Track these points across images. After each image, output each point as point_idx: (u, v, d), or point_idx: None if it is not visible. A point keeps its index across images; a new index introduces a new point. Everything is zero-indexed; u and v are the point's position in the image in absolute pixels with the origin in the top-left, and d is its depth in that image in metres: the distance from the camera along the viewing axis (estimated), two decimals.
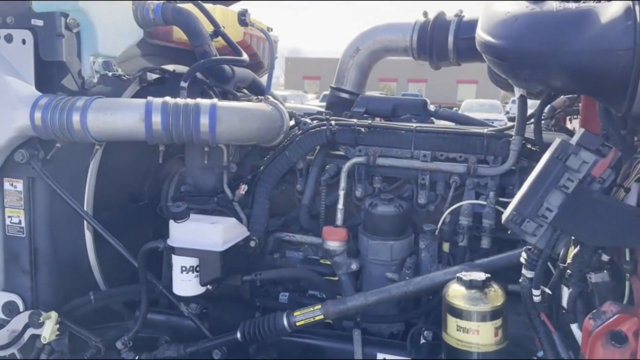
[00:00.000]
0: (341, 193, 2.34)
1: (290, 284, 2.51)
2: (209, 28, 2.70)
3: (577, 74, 1.52)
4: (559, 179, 1.56)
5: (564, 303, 1.69)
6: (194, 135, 2.10)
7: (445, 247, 2.23)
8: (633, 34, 1.38)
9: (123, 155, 2.54)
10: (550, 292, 1.69)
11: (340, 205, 2.33)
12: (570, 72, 1.53)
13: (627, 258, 1.56)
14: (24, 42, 2.17)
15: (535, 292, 1.68)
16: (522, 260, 1.69)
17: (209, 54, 2.63)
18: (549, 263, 1.79)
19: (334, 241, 2.25)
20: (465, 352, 1.73)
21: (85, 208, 2.34)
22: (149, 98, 2.12)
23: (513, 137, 2.19)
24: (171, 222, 2.11)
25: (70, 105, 2.10)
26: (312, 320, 2.07)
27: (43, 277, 2.34)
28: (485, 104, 21.97)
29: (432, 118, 2.90)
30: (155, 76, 2.59)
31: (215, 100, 2.14)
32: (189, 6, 2.64)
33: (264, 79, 3.13)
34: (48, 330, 2.27)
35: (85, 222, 2.34)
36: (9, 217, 2.30)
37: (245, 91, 3.05)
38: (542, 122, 3.06)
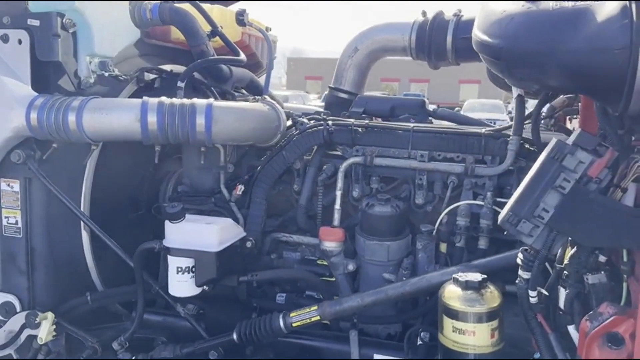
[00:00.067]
0: (338, 193, 2.33)
1: (288, 284, 2.50)
2: (206, 28, 2.69)
3: (573, 73, 1.51)
4: (555, 179, 1.55)
5: (561, 304, 1.68)
6: (190, 135, 2.09)
7: (443, 247, 2.22)
8: (629, 33, 1.37)
9: (121, 154, 2.53)
10: (547, 293, 1.68)
11: (337, 206, 2.32)
12: (566, 71, 1.51)
13: (625, 259, 1.54)
14: (20, 42, 2.17)
15: (532, 293, 1.66)
16: (519, 261, 1.67)
17: (206, 53, 2.62)
18: (546, 264, 1.79)
19: (330, 242, 2.24)
20: (462, 354, 1.72)
21: (82, 208, 2.33)
22: (145, 98, 2.11)
23: (511, 137, 2.18)
24: (167, 222, 2.10)
25: (66, 106, 2.10)
26: (308, 321, 2.06)
27: (40, 278, 2.33)
28: (488, 104, 21.92)
29: (431, 118, 2.89)
30: (152, 76, 2.59)
31: (211, 100, 2.13)
32: (187, 6, 2.64)
33: (263, 79, 3.12)
34: (44, 330, 2.27)
35: (82, 222, 2.33)
36: (5, 217, 2.29)
37: (244, 91, 3.05)
38: (542, 121, 3.05)
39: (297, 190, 2.47)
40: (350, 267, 2.27)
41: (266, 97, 2.41)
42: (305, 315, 2.07)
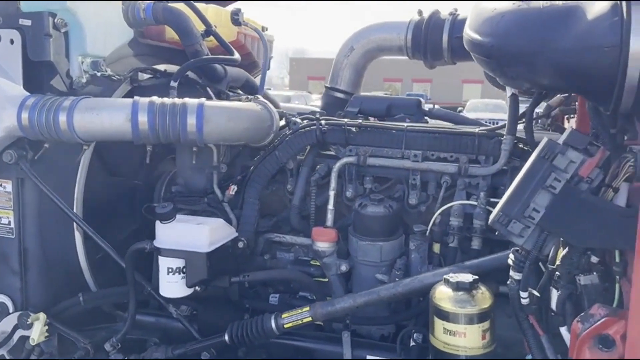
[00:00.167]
0: (331, 193, 2.31)
1: (281, 285, 2.48)
2: (201, 27, 2.68)
3: (563, 72, 1.49)
4: (545, 179, 1.53)
5: (553, 305, 1.66)
6: (181, 135, 2.08)
7: (436, 248, 2.20)
8: (619, 31, 1.35)
9: (115, 154, 2.53)
10: (538, 295, 1.66)
11: (330, 206, 2.31)
12: (557, 69, 1.50)
13: (617, 260, 1.53)
14: (12, 42, 2.17)
15: (523, 294, 1.64)
16: (510, 261, 1.66)
17: (200, 53, 2.61)
18: (540, 264, 1.77)
19: (323, 242, 2.23)
20: (452, 356, 1.71)
21: (74, 208, 2.32)
22: (136, 98, 2.10)
23: (504, 137, 2.16)
24: (157, 223, 2.09)
25: (57, 106, 2.09)
26: (300, 322, 2.05)
27: (33, 278, 2.33)
28: (490, 104, 21.84)
29: (427, 117, 2.87)
30: (147, 76, 2.58)
31: (202, 99, 2.12)
32: (181, 6, 2.63)
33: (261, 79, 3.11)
34: (37, 331, 2.26)
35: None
36: None
37: (240, 91, 3.03)
38: (538, 121, 3.03)
39: (290, 190, 2.46)
40: (343, 267, 2.25)
41: (259, 96, 2.39)
42: (297, 317, 2.05)
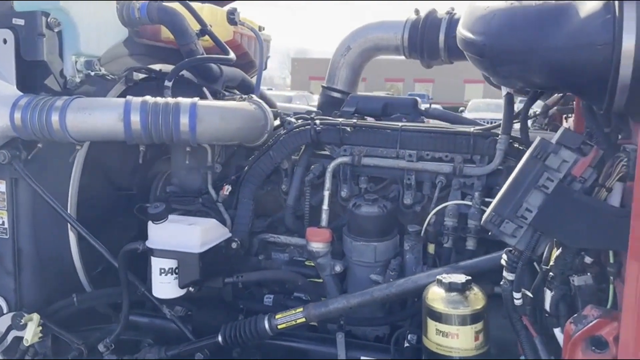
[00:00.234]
0: (326, 193, 2.30)
1: (276, 285, 2.47)
2: (196, 27, 2.67)
3: (556, 70, 1.48)
4: (538, 179, 1.52)
5: (547, 306, 1.64)
6: (174, 134, 2.07)
7: (431, 248, 2.18)
8: (612, 28, 1.34)
9: (110, 154, 2.52)
10: (531, 295, 1.64)
11: (324, 206, 2.29)
12: (549, 68, 1.48)
13: (611, 260, 1.51)
14: (5, 41, 2.16)
15: (516, 295, 1.63)
16: (503, 262, 1.64)
17: (195, 52, 2.60)
18: (535, 264, 1.75)
19: (317, 242, 2.21)
20: (445, 357, 1.69)
21: (69, 208, 2.32)
22: (128, 97, 2.09)
23: (499, 136, 2.14)
24: (150, 223, 2.08)
25: (49, 105, 2.08)
26: (293, 323, 2.04)
27: (27, 279, 2.32)
28: (492, 104, 21.77)
29: (423, 117, 2.85)
30: (142, 76, 2.57)
31: (195, 99, 2.11)
32: (176, 5, 2.62)
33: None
34: (30, 332, 2.26)
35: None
36: None
37: (237, 91, 3.02)
38: (536, 120, 3.01)
39: (285, 190, 2.44)
40: (338, 268, 2.24)
41: (253, 96, 2.38)
42: (290, 317, 2.04)
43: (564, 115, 2.96)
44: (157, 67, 2.63)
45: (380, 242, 2.17)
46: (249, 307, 2.36)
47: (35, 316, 2.27)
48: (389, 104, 2.86)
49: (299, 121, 2.47)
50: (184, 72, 2.64)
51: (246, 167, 2.46)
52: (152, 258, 2.08)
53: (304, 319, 2.03)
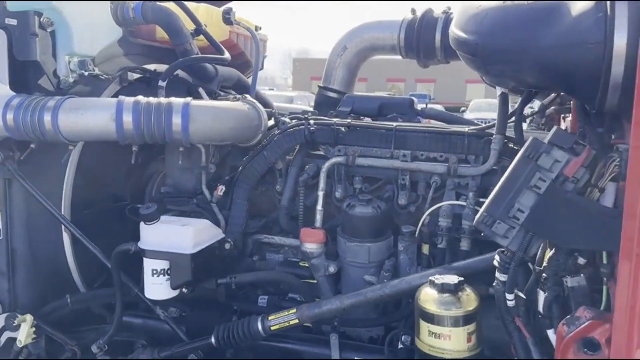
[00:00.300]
0: (320, 194, 2.28)
1: (270, 286, 2.46)
2: (191, 27, 2.66)
3: (548, 70, 1.47)
4: (530, 179, 1.51)
5: (540, 308, 1.63)
6: (167, 134, 2.06)
7: (425, 249, 2.17)
8: (604, 27, 1.33)
9: (104, 154, 2.51)
10: (524, 297, 1.63)
11: (319, 207, 2.28)
12: (541, 67, 1.47)
13: (604, 261, 1.49)
14: None
15: (509, 296, 1.61)
16: (495, 263, 1.63)
17: (189, 52, 2.59)
18: (530, 265, 1.74)
19: (311, 243, 2.19)
20: (438, 359, 1.68)
21: (63, 209, 2.31)
22: (121, 97, 2.08)
23: (494, 136, 2.12)
24: (142, 224, 2.07)
25: (42, 105, 2.08)
26: (286, 324, 2.03)
27: (21, 279, 2.31)
28: (494, 104, 21.38)
29: (420, 117, 2.84)
30: (137, 76, 2.56)
31: (188, 99, 2.10)
32: (171, 5, 2.61)
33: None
34: (23, 333, 2.25)
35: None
36: None
37: (233, 91, 3.01)
38: (533, 120, 2.99)
39: (279, 190, 2.43)
40: (331, 269, 2.22)
41: (246, 96, 2.37)
42: (283, 319, 2.03)
43: (562, 115, 2.94)
44: (151, 67, 2.62)
45: (374, 243, 2.16)
46: (243, 308, 2.34)
47: (29, 317, 2.26)
48: (385, 104, 2.85)
49: (293, 121, 2.46)
50: (180, 72, 2.64)
51: (240, 168, 2.45)
52: (145, 259, 2.07)
53: (297, 320, 2.02)
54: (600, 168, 1.51)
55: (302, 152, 2.42)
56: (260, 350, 2.22)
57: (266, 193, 2.51)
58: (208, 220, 2.25)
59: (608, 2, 1.33)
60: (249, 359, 2.23)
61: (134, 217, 2.11)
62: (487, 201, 1.56)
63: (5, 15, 2.15)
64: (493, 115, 2.15)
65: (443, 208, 2.14)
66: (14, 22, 2.15)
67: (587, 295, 1.55)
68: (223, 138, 2.23)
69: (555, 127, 1.54)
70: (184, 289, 2.12)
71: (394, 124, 2.36)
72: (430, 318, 1.69)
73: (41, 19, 2.17)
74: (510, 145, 2.16)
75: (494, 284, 1.65)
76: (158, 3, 2.55)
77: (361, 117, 2.76)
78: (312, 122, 2.38)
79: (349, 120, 2.40)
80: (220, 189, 2.38)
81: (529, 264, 1.73)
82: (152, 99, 2.09)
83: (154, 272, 2.04)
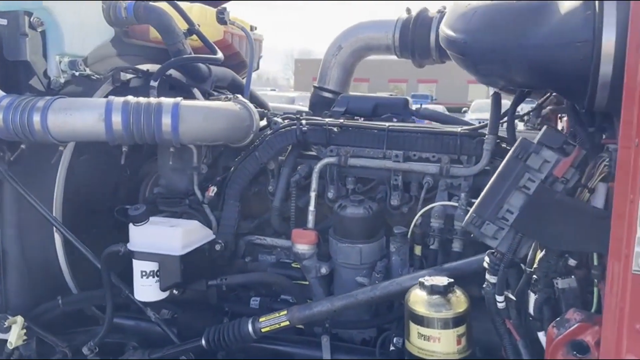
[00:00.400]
0: (312, 194, 2.26)
1: (263, 288, 2.44)
2: (184, 27, 2.65)
3: (537, 69, 1.45)
4: (519, 180, 1.49)
5: (531, 310, 1.61)
6: (156, 135, 2.04)
7: (417, 250, 2.15)
8: (592, 25, 1.31)
9: (97, 155, 2.49)
10: (514, 298, 1.61)
11: (311, 207, 2.26)
12: (529, 66, 1.46)
13: (595, 263, 1.48)
14: None
15: (499, 298, 1.60)
16: (485, 264, 1.61)
17: (182, 52, 2.58)
18: (523, 266, 1.72)
19: (302, 244, 2.18)
20: None
21: (54, 209, 2.29)
22: (110, 97, 2.07)
23: (486, 137, 2.10)
24: (131, 225, 2.06)
25: (31, 106, 2.07)
26: (277, 326, 2.01)
27: (12, 281, 2.30)
28: None
29: (414, 117, 2.82)
30: (129, 76, 2.55)
31: (178, 99, 2.08)
32: (164, 5, 2.60)
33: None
34: (14, 335, 2.24)
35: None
36: None
37: (228, 91, 3.00)
38: (529, 120, 2.97)
39: (272, 191, 2.41)
40: (323, 270, 2.20)
41: (238, 96, 2.35)
42: (274, 321, 2.02)
43: (558, 115, 2.92)
44: (144, 67, 2.61)
45: (366, 244, 2.14)
46: (234, 309, 2.33)
47: (19, 319, 2.24)
48: (379, 104, 2.83)
49: (285, 121, 2.44)
50: (173, 73, 2.62)
51: (232, 168, 2.43)
52: (134, 261, 2.05)
53: (287, 322, 2.00)
54: (591, 168, 1.49)
55: (294, 152, 2.40)
56: (252, 352, 2.20)
57: (259, 194, 2.49)
58: (198, 222, 2.23)
59: (596, 1, 1.31)
60: (240, 358, 2.21)
61: (122, 218, 2.09)
62: (476, 202, 1.55)
63: None
64: None
65: (435, 209, 2.12)
66: (3, 22, 2.14)
67: (578, 297, 1.54)
68: (214, 138, 2.22)
69: (545, 127, 1.52)
70: (174, 291, 2.10)
71: (387, 124, 2.34)
72: (420, 320, 1.67)
73: (31, 19, 2.16)
74: (503, 145, 2.14)
75: (484, 285, 1.63)
76: (150, 3, 2.54)
77: (356, 118, 2.74)
78: (304, 122, 2.36)
79: (341, 121, 2.38)
80: (212, 190, 2.36)
81: (521, 265, 1.71)
82: (141, 99, 2.07)
83: (143, 273, 2.02)
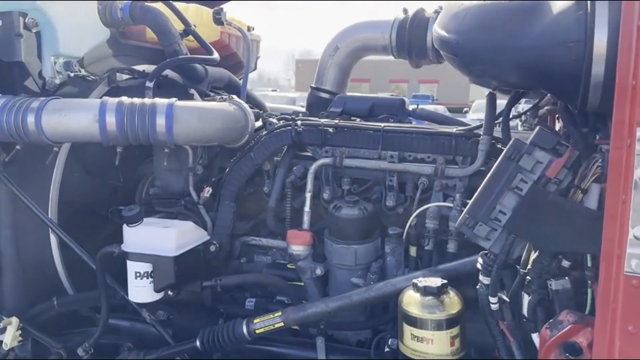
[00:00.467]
0: (308, 195, 2.26)
1: (258, 289, 2.43)
2: (181, 27, 2.65)
3: (529, 69, 1.45)
4: (512, 180, 1.48)
5: (525, 311, 1.60)
6: (150, 135, 2.04)
7: (413, 251, 2.14)
8: (584, 25, 1.30)
9: (93, 156, 2.49)
10: (507, 300, 1.60)
11: (306, 208, 2.25)
12: (521, 67, 1.45)
13: (589, 264, 1.47)
14: None
15: (493, 299, 1.59)
16: (479, 265, 1.60)
17: (178, 53, 2.57)
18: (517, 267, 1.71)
19: (297, 245, 2.17)
20: None
21: (49, 211, 2.29)
22: (104, 98, 2.07)
23: (481, 137, 2.10)
24: (124, 226, 2.05)
25: (25, 107, 2.06)
26: (272, 327, 2.00)
27: (7, 282, 2.29)
28: (498, 105, 21.61)
29: (411, 118, 2.81)
30: (125, 77, 2.55)
31: (173, 99, 2.08)
32: (160, 5, 2.59)
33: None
34: (9, 336, 2.23)
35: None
36: None
37: (225, 92, 2.99)
38: (526, 121, 2.96)
39: (267, 192, 2.41)
40: (318, 271, 2.20)
41: (233, 97, 2.35)
42: (268, 322, 2.01)
43: (555, 115, 2.91)
44: (141, 67, 2.61)
45: (361, 245, 2.13)
46: (230, 310, 2.32)
47: (15, 320, 2.24)
48: (376, 104, 2.82)
49: (281, 122, 2.43)
50: (170, 73, 2.62)
51: (227, 169, 2.42)
52: (128, 262, 2.05)
53: (282, 324, 2.00)
54: (584, 169, 1.48)
55: (289, 153, 2.40)
56: (247, 353, 2.20)
57: (255, 195, 2.48)
58: (192, 223, 2.22)
59: (588, 1, 1.31)
60: (235, 358, 2.20)
61: (116, 219, 2.09)
62: (470, 203, 1.54)
63: None
64: None
65: (430, 210, 2.11)
66: None
67: (572, 298, 1.53)
68: (209, 139, 2.21)
69: (537, 127, 1.51)
70: (169, 292, 2.10)
71: (382, 124, 2.33)
72: (413, 321, 1.66)
73: (26, 20, 2.16)
74: (498, 146, 2.13)
75: (477, 286, 1.62)
76: (146, 3, 2.53)
77: (352, 118, 2.73)
78: (299, 122, 2.35)
79: (337, 121, 2.38)
80: (207, 191, 2.36)
81: (516, 266, 1.70)
82: (136, 100, 2.07)
83: (137, 274, 2.02)
